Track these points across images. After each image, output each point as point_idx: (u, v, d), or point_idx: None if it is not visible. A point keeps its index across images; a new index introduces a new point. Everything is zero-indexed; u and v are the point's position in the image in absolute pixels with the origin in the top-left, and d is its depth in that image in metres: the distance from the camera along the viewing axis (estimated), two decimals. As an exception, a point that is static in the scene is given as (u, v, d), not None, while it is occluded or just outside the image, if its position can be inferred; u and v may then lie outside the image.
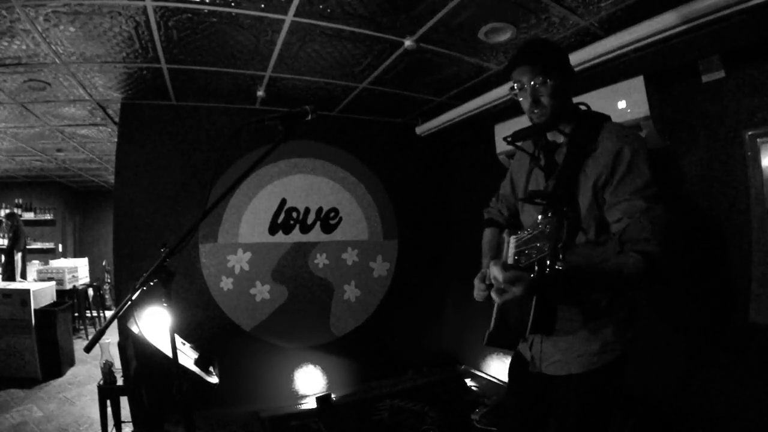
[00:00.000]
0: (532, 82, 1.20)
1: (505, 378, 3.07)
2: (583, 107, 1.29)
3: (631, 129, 1.26)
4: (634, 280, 1.07)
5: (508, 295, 0.96)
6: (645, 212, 1.11)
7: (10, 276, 5.30)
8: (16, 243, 5.46)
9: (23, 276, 5.60)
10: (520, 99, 1.26)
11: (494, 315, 1.26)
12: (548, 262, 0.89)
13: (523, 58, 1.21)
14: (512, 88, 1.26)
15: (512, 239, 1.00)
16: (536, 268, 0.93)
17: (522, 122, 2.63)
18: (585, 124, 1.24)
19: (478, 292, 1.36)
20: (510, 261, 0.98)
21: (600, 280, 1.10)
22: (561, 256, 0.91)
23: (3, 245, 6.59)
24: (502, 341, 1.31)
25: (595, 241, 1.22)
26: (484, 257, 1.56)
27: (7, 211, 6.46)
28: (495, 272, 0.96)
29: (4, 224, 5.68)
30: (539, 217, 0.91)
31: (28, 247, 6.88)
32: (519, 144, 1.38)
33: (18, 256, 5.46)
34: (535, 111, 1.22)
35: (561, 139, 1.28)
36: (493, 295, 0.99)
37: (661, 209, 1.13)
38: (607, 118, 1.28)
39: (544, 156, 1.33)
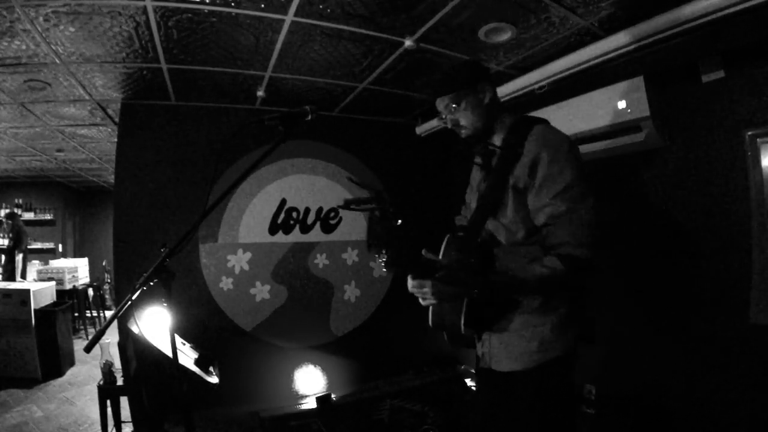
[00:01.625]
0: (446, 109, 1.36)
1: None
2: (529, 115, 1.40)
3: (556, 132, 1.30)
4: (555, 282, 1.15)
5: (425, 302, 1.19)
6: (565, 215, 1.16)
7: (10, 276, 5.29)
8: (18, 244, 5.44)
9: (23, 276, 5.59)
10: (447, 125, 1.40)
11: (430, 315, 1.35)
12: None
13: (435, 92, 1.37)
14: (439, 118, 1.42)
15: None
16: (454, 266, 1.12)
17: (522, 122, 2.63)
18: (516, 130, 1.33)
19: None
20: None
21: (518, 284, 1.19)
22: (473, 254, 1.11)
23: (2, 245, 6.59)
24: (458, 342, 1.41)
25: (523, 242, 1.29)
26: None
27: (8, 210, 6.45)
28: (408, 281, 1.17)
29: (4, 224, 5.65)
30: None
31: (28, 247, 6.89)
32: (474, 160, 1.52)
33: (19, 257, 5.45)
34: (460, 131, 1.37)
35: (498, 145, 1.38)
36: (420, 301, 1.20)
37: (584, 209, 1.16)
38: (540, 121, 1.35)
39: (484, 163, 1.45)
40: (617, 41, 2.01)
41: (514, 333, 1.30)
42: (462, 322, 1.23)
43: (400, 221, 1.09)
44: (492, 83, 1.37)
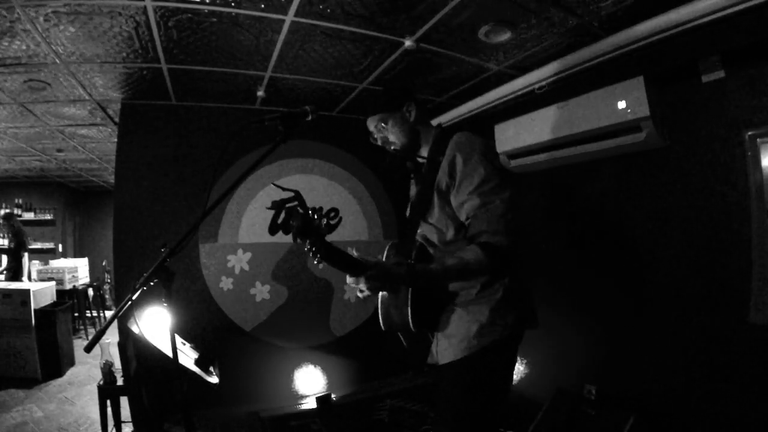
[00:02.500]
0: (375, 128, 1.50)
1: (505, 378, 3.07)
2: (436, 130, 1.51)
3: (470, 136, 1.41)
4: (479, 267, 1.24)
5: (361, 294, 1.25)
6: (481, 207, 1.27)
7: (14, 276, 5.25)
8: (22, 245, 5.40)
9: (30, 277, 5.52)
10: (377, 143, 1.54)
11: (380, 317, 1.40)
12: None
13: (366, 113, 1.52)
14: (371, 137, 1.54)
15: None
16: (380, 263, 1.22)
17: (522, 123, 2.64)
18: (438, 141, 1.45)
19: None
20: None
21: (439, 273, 1.26)
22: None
23: (2, 245, 6.58)
24: (417, 343, 1.47)
25: (454, 239, 1.39)
26: None
27: (7, 210, 6.41)
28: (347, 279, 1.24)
29: (2, 225, 5.61)
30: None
31: (29, 247, 6.89)
32: (411, 175, 1.66)
33: (25, 257, 5.39)
34: (392, 148, 1.51)
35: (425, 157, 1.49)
36: (358, 293, 1.28)
37: (498, 200, 1.27)
38: (459, 131, 1.45)
39: (416, 175, 1.58)
40: (617, 41, 2.01)
41: (456, 324, 1.37)
42: (410, 320, 1.30)
43: (322, 221, 1.18)
44: (416, 103, 1.50)
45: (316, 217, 1.12)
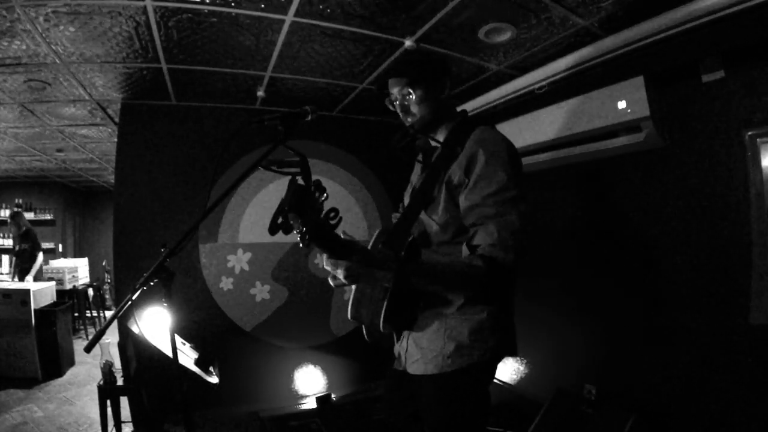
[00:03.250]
0: (401, 93, 1.30)
1: (504, 379, 3.07)
2: (459, 117, 1.36)
3: (497, 133, 1.28)
4: (473, 281, 1.12)
5: (335, 281, 1.15)
6: (493, 218, 1.13)
7: (22, 275, 5.17)
8: (36, 244, 5.32)
9: (40, 277, 5.43)
10: (393, 109, 1.37)
11: (350, 305, 1.29)
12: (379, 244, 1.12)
13: (391, 73, 1.34)
14: (388, 101, 1.36)
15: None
16: (361, 248, 1.10)
17: (522, 123, 2.64)
18: (459, 129, 1.30)
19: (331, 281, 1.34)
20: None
21: (435, 276, 1.14)
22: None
23: (7, 245, 6.57)
24: (378, 337, 1.36)
25: (451, 241, 1.25)
26: None
27: (16, 210, 6.29)
28: (324, 260, 1.10)
29: (10, 224, 5.52)
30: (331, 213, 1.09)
31: (27, 248, 6.88)
32: (417, 158, 1.49)
33: (39, 256, 5.30)
34: (408, 119, 1.33)
35: (437, 144, 1.35)
36: (330, 280, 1.18)
37: (514, 214, 1.13)
38: (483, 123, 1.32)
39: (423, 158, 1.43)
40: (617, 41, 2.01)
41: (430, 335, 1.26)
42: (381, 318, 1.17)
43: (324, 195, 1.05)
44: (451, 82, 1.35)
45: (317, 194, 1.00)
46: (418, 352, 1.29)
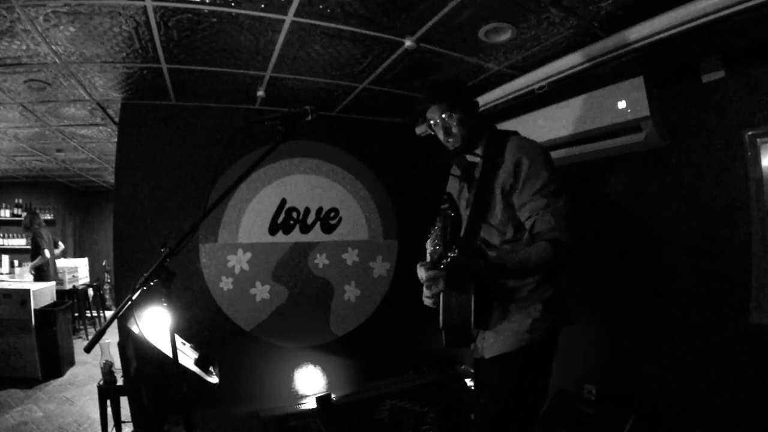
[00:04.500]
0: (442, 117, 1.45)
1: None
2: (502, 129, 1.54)
3: (531, 140, 1.47)
4: (545, 262, 1.29)
5: (435, 289, 1.27)
6: (547, 207, 1.33)
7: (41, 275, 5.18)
8: (36, 245, 5.31)
9: (48, 275, 5.38)
10: (436, 132, 1.51)
11: (441, 315, 1.43)
12: (449, 254, 1.21)
13: (430, 100, 1.47)
14: (428, 125, 1.51)
15: (427, 243, 1.28)
16: (450, 257, 1.24)
17: (522, 123, 2.64)
18: (494, 142, 1.49)
19: (425, 299, 1.55)
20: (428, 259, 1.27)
21: (515, 267, 1.31)
22: (453, 247, 1.27)
23: (8, 245, 6.56)
24: (458, 342, 1.51)
25: (513, 239, 1.45)
26: None
27: (31, 211, 6.21)
28: (420, 273, 1.34)
29: (24, 222, 5.51)
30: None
31: (28, 247, 6.87)
32: (452, 172, 1.69)
33: (42, 256, 5.28)
34: (449, 140, 1.48)
35: (478, 158, 1.52)
36: (425, 290, 1.35)
37: (561, 202, 1.34)
38: (513, 133, 1.52)
39: (465, 174, 1.59)
40: (617, 41, 2.01)
41: (507, 318, 1.43)
42: (472, 317, 1.34)
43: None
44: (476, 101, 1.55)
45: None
46: (494, 335, 1.44)
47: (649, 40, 1.92)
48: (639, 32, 1.92)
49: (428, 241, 1.46)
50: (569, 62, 2.27)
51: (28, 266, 5.23)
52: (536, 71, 2.46)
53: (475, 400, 1.64)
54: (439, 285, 1.25)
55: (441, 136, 1.49)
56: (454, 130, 1.46)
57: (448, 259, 1.23)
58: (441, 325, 1.43)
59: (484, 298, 1.37)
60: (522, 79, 2.57)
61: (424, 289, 1.41)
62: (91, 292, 6.00)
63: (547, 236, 1.30)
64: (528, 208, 1.36)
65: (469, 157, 1.58)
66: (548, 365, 1.46)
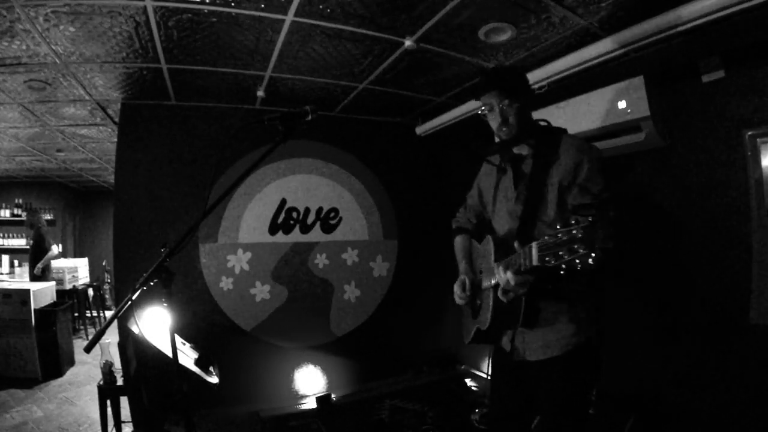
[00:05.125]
0: (500, 105, 1.39)
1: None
2: (542, 123, 1.49)
3: (587, 143, 1.44)
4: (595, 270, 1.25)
5: (511, 294, 1.21)
6: (599, 213, 1.28)
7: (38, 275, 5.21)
8: (37, 243, 5.35)
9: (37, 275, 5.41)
10: (490, 119, 1.45)
11: (489, 316, 1.41)
12: (578, 261, 1.03)
13: (491, 84, 1.41)
14: (482, 110, 1.45)
15: (534, 243, 1.15)
16: (563, 266, 1.07)
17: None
18: (546, 138, 1.44)
19: (459, 298, 1.58)
20: (536, 262, 1.11)
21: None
22: (594, 254, 1.09)
23: (8, 245, 6.55)
24: (487, 340, 1.51)
25: None
26: (459, 262, 1.72)
27: (34, 211, 6.24)
28: (508, 276, 1.21)
29: (28, 220, 5.55)
30: (571, 222, 1.06)
31: (28, 247, 6.87)
32: (489, 159, 1.61)
33: (49, 253, 5.30)
34: (504, 129, 1.42)
35: (525, 151, 1.47)
36: (500, 295, 1.26)
37: (612, 210, 1.31)
38: (564, 131, 1.48)
39: (512, 167, 1.51)
40: (617, 41, 2.01)
41: (552, 322, 1.40)
42: (521, 316, 1.34)
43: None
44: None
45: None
46: (540, 339, 1.41)
47: (649, 40, 1.92)
48: (639, 32, 1.91)
49: (535, 241, 1.24)
50: (569, 62, 2.26)
51: (30, 266, 5.23)
52: (536, 71, 2.45)
53: (497, 399, 1.62)
54: (522, 290, 1.22)
55: (495, 123, 1.43)
56: (511, 119, 1.40)
57: (579, 267, 1.10)
58: (487, 325, 1.42)
59: (534, 297, 1.35)
60: (522, 79, 2.57)
61: (458, 293, 1.47)
62: (91, 292, 5.99)
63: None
64: (581, 210, 1.32)
65: (516, 150, 1.51)
66: (599, 366, 1.45)
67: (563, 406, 1.39)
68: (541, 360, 1.41)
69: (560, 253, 1.07)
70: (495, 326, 1.43)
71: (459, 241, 1.78)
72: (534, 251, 1.12)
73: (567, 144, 1.40)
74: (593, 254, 1.01)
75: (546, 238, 1.10)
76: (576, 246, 1.03)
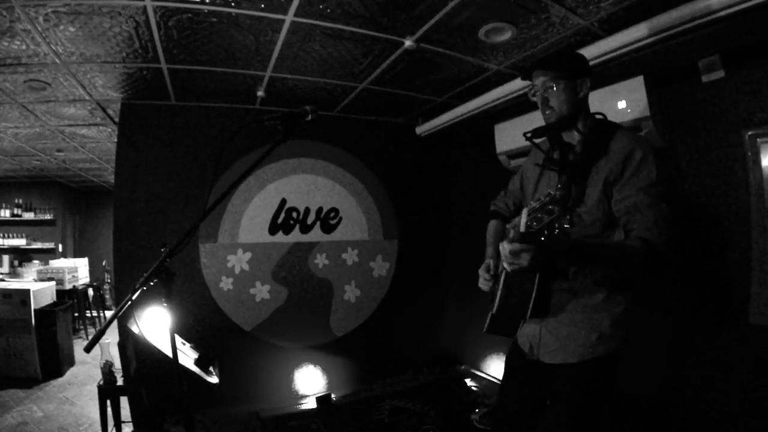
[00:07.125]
0: (543, 86, 1.37)
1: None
2: (599, 116, 1.42)
3: (642, 137, 1.38)
4: (634, 262, 1.21)
5: (515, 265, 1.12)
6: (649, 206, 1.23)
7: None
8: None
9: None
10: (535, 100, 1.42)
11: (498, 299, 1.35)
12: (556, 224, 1.02)
13: (538, 65, 1.38)
14: (530, 89, 1.44)
15: (524, 210, 1.11)
16: (545, 231, 1.06)
17: (522, 123, 2.63)
18: (599, 129, 1.37)
19: (483, 281, 1.50)
20: (522, 228, 1.08)
21: (604, 255, 1.24)
22: (569, 217, 1.09)
23: (8, 245, 6.56)
24: (501, 329, 1.45)
25: (600, 234, 1.33)
26: (488, 246, 1.65)
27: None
28: (503, 245, 1.13)
29: None
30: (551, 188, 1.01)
31: (28, 247, 6.89)
32: (536, 141, 1.49)
33: None
34: (546, 112, 1.39)
35: (575, 140, 1.41)
36: (505, 265, 1.16)
37: (664, 206, 1.25)
38: (620, 126, 1.40)
39: (560, 154, 1.43)
40: (617, 41, 2.01)
41: (573, 326, 1.34)
42: (531, 304, 1.29)
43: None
44: (590, 83, 1.39)
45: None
46: (557, 342, 1.36)
47: (649, 40, 1.92)
48: (639, 32, 1.91)
49: (525, 208, 1.19)
50: (569, 62, 2.26)
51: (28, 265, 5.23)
52: (536, 71, 2.45)
53: (505, 398, 1.57)
54: (522, 261, 1.10)
55: (537, 102, 1.40)
56: (553, 101, 1.35)
57: (556, 231, 1.10)
58: (495, 309, 1.35)
59: (547, 284, 1.31)
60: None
61: (483, 275, 1.40)
62: (91, 292, 6.00)
63: (642, 234, 1.20)
64: (628, 203, 1.25)
65: (566, 138, 1.43)
66: (613, 383, 1.37)
67: (570, 417, 1.33)
68: (556, 364, 1.36)
69: (539, 215, 1.06)
70: (504, 311, 1.36)
71: (492, 224, 1.73)
72: (523, 217, 1.10)
73: (621, 136, 1.32)
74: (568, 216, 1.01)
75: (532, 203, 1.09)
76: (551, 207, 1.02)
